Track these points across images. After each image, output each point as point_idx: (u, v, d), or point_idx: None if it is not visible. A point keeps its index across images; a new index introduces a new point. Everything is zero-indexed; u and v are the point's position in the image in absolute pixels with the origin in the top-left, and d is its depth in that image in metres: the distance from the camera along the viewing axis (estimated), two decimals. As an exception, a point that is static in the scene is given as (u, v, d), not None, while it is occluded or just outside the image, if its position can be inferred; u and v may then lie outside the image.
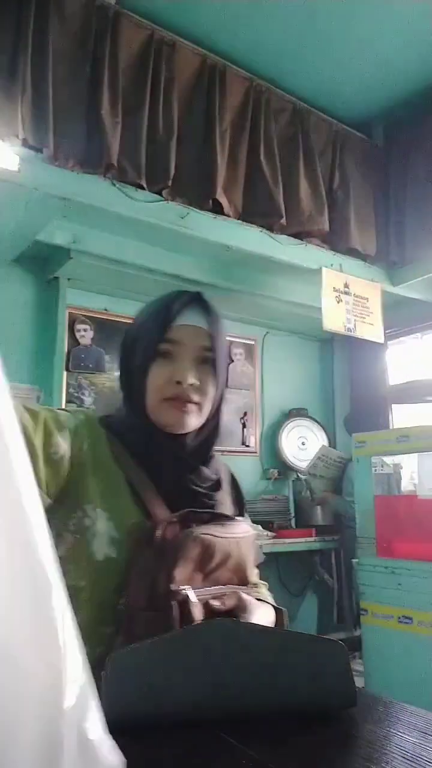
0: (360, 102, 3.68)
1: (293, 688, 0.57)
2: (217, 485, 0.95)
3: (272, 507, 3.61)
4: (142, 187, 2.70)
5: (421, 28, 3.09)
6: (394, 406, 4.04)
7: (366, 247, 3.57)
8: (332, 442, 4.28)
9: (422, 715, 0.57)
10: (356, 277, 3.45)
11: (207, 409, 0.92)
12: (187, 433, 0.91)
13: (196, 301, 0.92)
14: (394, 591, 2.34)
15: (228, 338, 3.82)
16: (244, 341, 3.99)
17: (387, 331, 3.68)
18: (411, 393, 3.81)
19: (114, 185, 2.63)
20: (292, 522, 3.72)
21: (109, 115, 2.59)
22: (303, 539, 3.34)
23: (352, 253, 3.52)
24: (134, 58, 2.79)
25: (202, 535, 0.82)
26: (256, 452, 3.93)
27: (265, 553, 3.07)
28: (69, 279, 3.16)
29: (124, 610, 0.76)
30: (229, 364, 3.89)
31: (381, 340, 3.54)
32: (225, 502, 0.98)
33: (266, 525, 3.32)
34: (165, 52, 2.87)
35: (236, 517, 0.93)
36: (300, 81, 3.41)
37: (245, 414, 3.91)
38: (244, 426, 3.89)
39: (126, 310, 3.41)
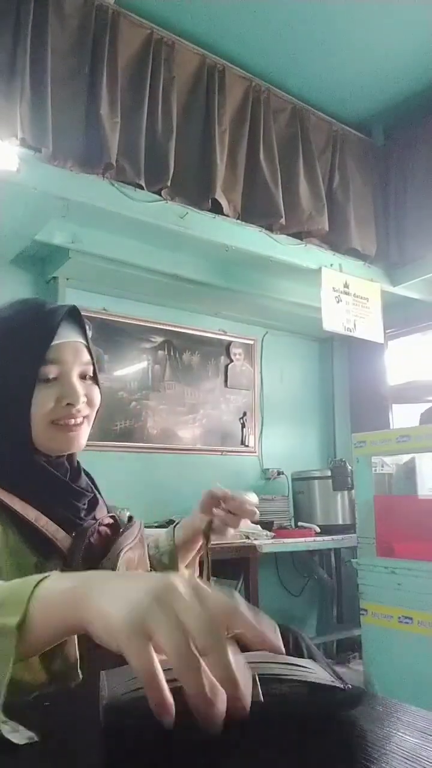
0: (360, 102, 3.68)
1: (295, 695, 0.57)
2: (94, 495, 0.93)
3: (272, 507, 3.61)
4: (141, 187, 2.70)
5: (421, 28, 3.09)
6: (394, 406, 4.03)
7: (366, 247, 3.57)
8: (332, 442, 4.28)
9: (422, 715, 0.57)
10: (356, 277, 3.45)
11: (93, 419, 0.90)
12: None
13: (69, 315, 0.87)
14: (394, 591, 2.34)
15: (228, 338, 3.86)
16: (243, 341, 3.99)
17: (387, 331, 3.68)
18: (411, 393, 3.81)
19: (113, 185, 2.63)
20: (292, 522, 3.71)
21: (108, 114, 2.59)
22: (303, 539, 3.34)
23: (352, 253, 3.52)
24: (133, 57, 2.79)
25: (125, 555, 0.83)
26: (255, 452, 3.93)
27: (264, 553, 3.07)
28: (68, 279, 3.16)
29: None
30: (228, 364, 3.89)
31: (381, 340, 3.54)
32: (102, 504, 0.96)
33: (266, 525, 3.32)
34: (164, 51, 2.87)
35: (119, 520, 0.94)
36: (300, 81, 3.41)
37: (245, 414, 3.91)
38: (243, 426, 3.89)
39: (125, 310, 3.42)
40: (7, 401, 0.82)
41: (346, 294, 3.35)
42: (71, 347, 0.85)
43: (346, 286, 3.36)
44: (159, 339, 3.58)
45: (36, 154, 2.41)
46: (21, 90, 2.36)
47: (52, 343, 0.82)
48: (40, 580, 0.52)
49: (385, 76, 3.46)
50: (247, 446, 3.89)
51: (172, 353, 3.65)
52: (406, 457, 2.75)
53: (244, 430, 3.89)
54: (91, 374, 0.89)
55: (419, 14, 2.99)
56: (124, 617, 0.43)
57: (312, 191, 3.34)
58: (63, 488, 0.86)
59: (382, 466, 2.84)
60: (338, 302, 3.30)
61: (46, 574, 0.53)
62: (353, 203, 3.55)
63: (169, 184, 2.78)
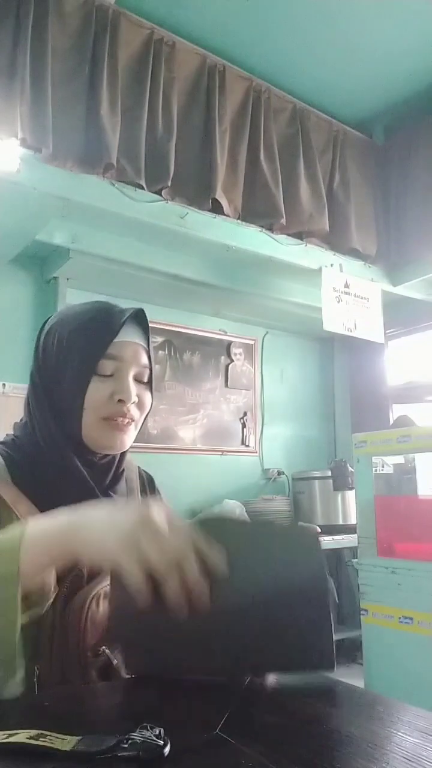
0: (360, 102, 3.67)
1: (269, 579, 0.65)
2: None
3: (272, 507, 3.61)
4: (141, 187, 2.70)
5: (422, 28, 3.09)
6: (394, 406, 4.03)
7: (366, 247, 3.57)
8: (333, 442, 4.28)
9: (422, 715, 0.57)
10: (356, 277, 3.45)
11: (140, 424, 0.91)
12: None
13: (136, 317, 0.88)
14: (394, 591, 2.34)
15: (228, 338, 3.86)
16: (244, 341, 3.99)
17: (387, 331, 3.67)
18: (411, 393, 3.81)
19: (113, 185, 2.63)
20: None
21: (108, 114, 2.59)
22: (303, 539, 3.33)
23: (352, 253, 3.52)
24: (133, 57, 2.79)
25: (107, 589, 0.75)
26: (256, 452, 3.93)
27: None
28: (68, 279, 3.16)
29: (37, 684, 0.71)
30: (228, 364, 3.89)
31: (381, 340, 3.54)
32: None
33: (266, 525, 3.32)
34: (164, 51, 2.87)
35: None
36: (300, 81, 3.41)
37: (245, 414, 3.91)
38: (244, 426, 3.89)
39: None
40: (64, 393, 0.84)
41: (346, 294, 3.35)
42: (131, 347, 0.86)
43: (346, 286, 3.36)
44: (159, 339, 3.58)
45: (36, 154, 2.41)
46: (21, 90, 2.36)
47: (114, 340, 0.84)
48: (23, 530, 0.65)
49: (386, 76, 3.46)
50: (248, 446, 3.89)
51: (172, 353, 3.65)
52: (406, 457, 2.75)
53: (245, 430, 3.90)
54: (146, 379, 0.89)
55: (419, 14, 2.99)
56: (120, 541, 0.60)
57: (312, 191, 3.34)
58: (84, 496, 0.81)
59: (383, 466, 2.85)
60: (339, 302, 3.30)
61: (21, 527, 0.66)
62: (354, 203, 3.54)
63: (169, 184, 2.78)
